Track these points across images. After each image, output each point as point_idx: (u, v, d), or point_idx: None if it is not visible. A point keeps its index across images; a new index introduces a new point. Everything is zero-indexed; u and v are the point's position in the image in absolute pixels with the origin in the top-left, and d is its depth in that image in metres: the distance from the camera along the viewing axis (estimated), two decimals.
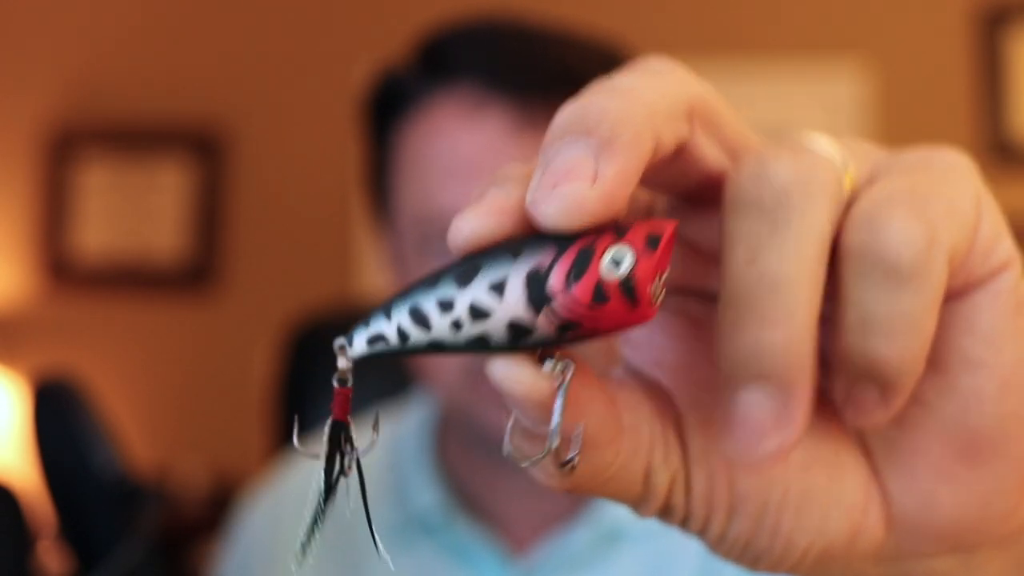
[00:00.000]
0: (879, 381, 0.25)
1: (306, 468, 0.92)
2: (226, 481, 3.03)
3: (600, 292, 0.24)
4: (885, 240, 0.25)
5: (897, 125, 3.21)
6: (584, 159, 0.25)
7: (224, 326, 3.22)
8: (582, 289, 0.25)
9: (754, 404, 0.25)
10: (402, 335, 0.27)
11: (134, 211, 3.29)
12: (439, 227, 0.72)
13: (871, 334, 0.25)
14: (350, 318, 1.06)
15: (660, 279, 0.25)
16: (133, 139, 3.31)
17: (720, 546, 0.30)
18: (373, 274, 3.18)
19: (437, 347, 0.26)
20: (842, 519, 0.29)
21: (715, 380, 0.26)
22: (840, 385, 0.26)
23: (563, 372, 0.26)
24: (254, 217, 3.27)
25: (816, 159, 0.26)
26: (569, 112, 0.27)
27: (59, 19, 3.36)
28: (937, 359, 0.27)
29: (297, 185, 3.26)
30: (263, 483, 0.96)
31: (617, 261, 0.25)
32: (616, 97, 0.26)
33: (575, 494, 0.30)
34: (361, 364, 0.27)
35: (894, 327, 0.25)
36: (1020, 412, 0.27)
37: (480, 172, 0.71)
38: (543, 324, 0.25)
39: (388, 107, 0.78)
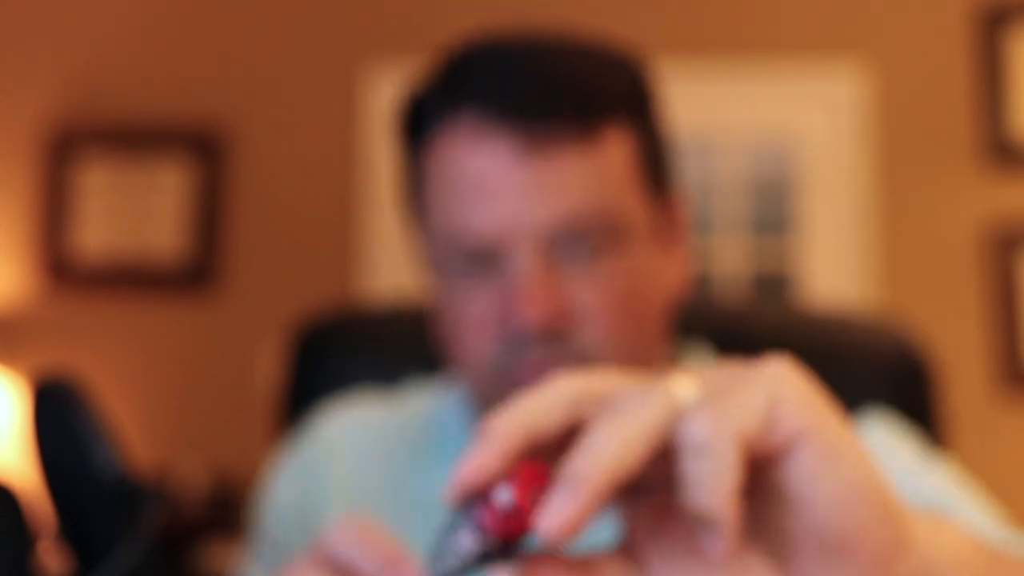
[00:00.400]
0: (708, 522, 0.37)
1: (335, 424, 0.96)
2: (226, 481, 3.04)
3: (501, 516, 0.39)
4: (688, 430, 0.38)
5: (897, 125, 3.22)
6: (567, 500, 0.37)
7: (224, 326, 3.22)
8: (491, 517, 0.39)
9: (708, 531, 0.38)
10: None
11: (134, 211, 3.29)
12: (458, 247, 0.79)
13: (691, 490, 0.38)
14: (351, 319, 1.06)
15: (536, 495, 0.39)
16: (133, 139, 3.31)
17: None
18: (374, 274, 3.18)
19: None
20: None
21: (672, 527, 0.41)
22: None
23: None
24: (254, 217, 3.28)
25: (659, 399, 0.39)
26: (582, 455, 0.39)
27: (59, 19, 3.36)
28: (784, 494, 0.39)
29: (297, 185, 3.27)
30: (297, 438, 0.98)
31: (505, 498, 0.39)
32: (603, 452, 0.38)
33: None
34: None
35: (702, 483, 0.37)
36: (852, 524, 0.39)
37: (489, 195, 0.77)
38: (493, 542, 0.40)
39: (413, 126, 0.83)
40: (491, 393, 0.80)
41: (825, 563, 0.40)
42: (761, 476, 0.40)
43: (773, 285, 3.29)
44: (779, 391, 0.40)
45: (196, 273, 3.26)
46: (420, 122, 0.83)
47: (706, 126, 3.29)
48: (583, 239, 0.77)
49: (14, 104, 3.35)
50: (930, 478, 0.80)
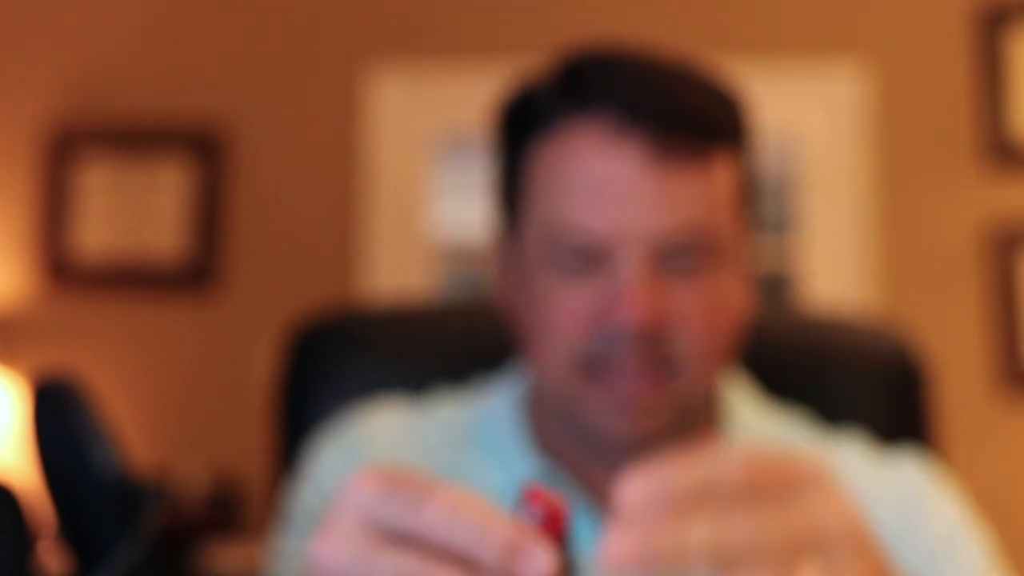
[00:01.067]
0: None
1: (383, 417, 0.98)
2: (226, 481, 3.04)
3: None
4: None
5: (897, 125, 3.22)
6: None
7: (224, 326, 3.23)
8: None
9: None
10: None
11: (134, 211, 3.30)
12: (565, 242, 0.83)
13: None
14: (347, 318, 1.06)
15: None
16: (133, 139, 3.32)
17: None
18: (373, 275, 3.18)
19: None
20: None
21: None
22: None
23: None
24: (254, 217, 3.28)
25: None
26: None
27: (59, 19, 3.37)
28: None
29: (297, 185, 3.27)
30: (338, 426, 0.99)
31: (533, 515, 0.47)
32: None
33: None
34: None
35: None
36: None
37: (611, 198, 0.81)
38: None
39: (524, 122, 0.87)
40: (567, 393, 0.84)
41: None
42: None
43: (773, 285, 3.29)
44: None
45: (196, 273, 3.26)
46: (534, 117, 0.86)
47: None
48: (688, 253, 0.82)
49: (14, 104, 3.35)
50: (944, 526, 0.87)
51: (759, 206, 0.92)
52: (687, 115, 0.82)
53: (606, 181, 0.82)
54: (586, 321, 0.82)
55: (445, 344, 1.07)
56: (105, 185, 3.31)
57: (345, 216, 3.23)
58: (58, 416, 0.64)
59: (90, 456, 0.62)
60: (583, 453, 0.89)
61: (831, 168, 3.25)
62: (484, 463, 0.92)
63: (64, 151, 3.31)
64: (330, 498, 0.93)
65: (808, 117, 3.25)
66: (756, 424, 0.93)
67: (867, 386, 1.05)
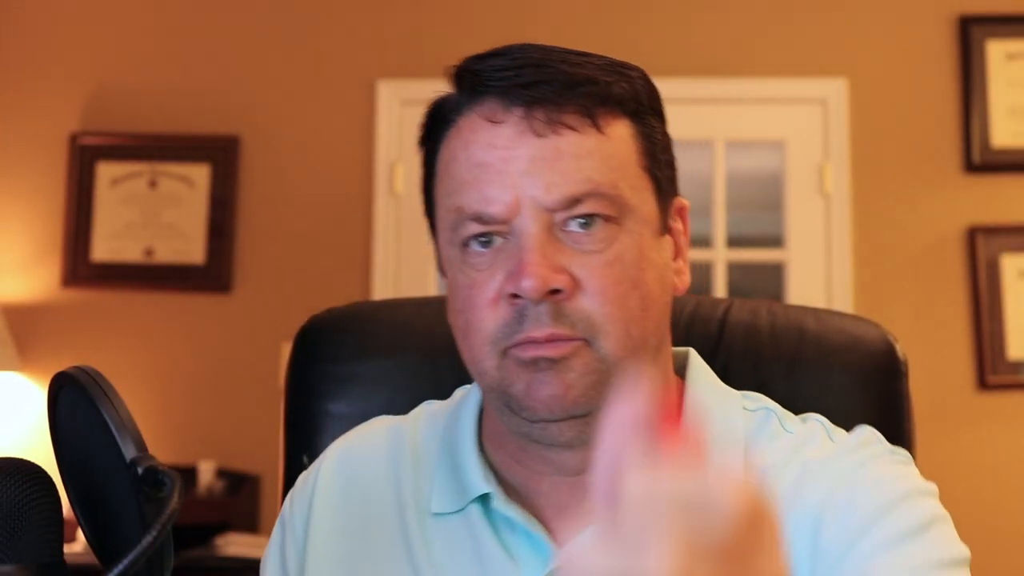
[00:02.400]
0: None
1: (382, 431, 0.99)
2: (235, 483, 3.07)
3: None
4: None
5: (881, 137, 3.25)
6: None
7: (239, 331, 3.25)
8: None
9: None
10: None
11: (153, 217, 3.33)
12: (464, 229, 0.85)
13: None
14: (355, 319, 1.08)
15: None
16: (153, 149, 3.35)
17: None
18: (388, 279, 3.21)
19: None
20: None
21: None
22: None
23: None
24: (270, 223, 3.31)
25: None
26: None
27: (78, 33, 3.40)
28: None
29: (314, 193, 3.30)
30: (342, 440, 1.01)
31: None
32: None
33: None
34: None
35: None
36: None
37: (495, 175, 0.84)
38: None
39: (433, 129, 0.90)
40: (499, 368, 0.84)
41: None
42: None
43: (759, 296, 3.32)
44: None
45: (214, 279, 3.28)
46: (438, 122, 0.89)
47: (701, 139, 3.32)
48: (585, 211, 0.83)
49: (39, 115, 3.39)
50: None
51: (673, 175, 0.92)
52: (564, 84, 0.84)
53: (489, 161, 0.84)
54: (497, 303, 0.83)
55: (450, 338, 1.10)
56: (124, 192, 3.34)
57: (360, 222, 3.26)
58: (79, 400, 0.67)
59: (112, 440, 0.65)
60: (527, 463, 0.89)
61: (815, 180, 3.26)
62: (442, 486, 0.92)
63: (84, 159, 3.34)
64: (302, 545, 0.95)
65: (798, 134, 3.28)
66: (715, 410, 0.92)
67: (848, 379, 1.08)
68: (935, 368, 3.09)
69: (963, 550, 0.84)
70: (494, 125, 0.84)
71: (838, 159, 3.23)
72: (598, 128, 0.85)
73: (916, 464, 0.99)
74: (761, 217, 3.40)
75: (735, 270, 3.34)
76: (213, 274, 3.28)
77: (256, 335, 3.20)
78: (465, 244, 0.85)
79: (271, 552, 0.98)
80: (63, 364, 0.77)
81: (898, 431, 1.07)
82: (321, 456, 1.00)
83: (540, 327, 0.81)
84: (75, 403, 0.69)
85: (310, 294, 3.11)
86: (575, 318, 0.82)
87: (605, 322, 0.83)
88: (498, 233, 0.84)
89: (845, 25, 3.29)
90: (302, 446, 1.12)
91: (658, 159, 0.89)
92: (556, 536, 0.88)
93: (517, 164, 0.83)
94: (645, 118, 0.89)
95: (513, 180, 0.83)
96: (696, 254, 3.31)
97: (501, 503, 0.88)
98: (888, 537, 0.81)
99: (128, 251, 3.31)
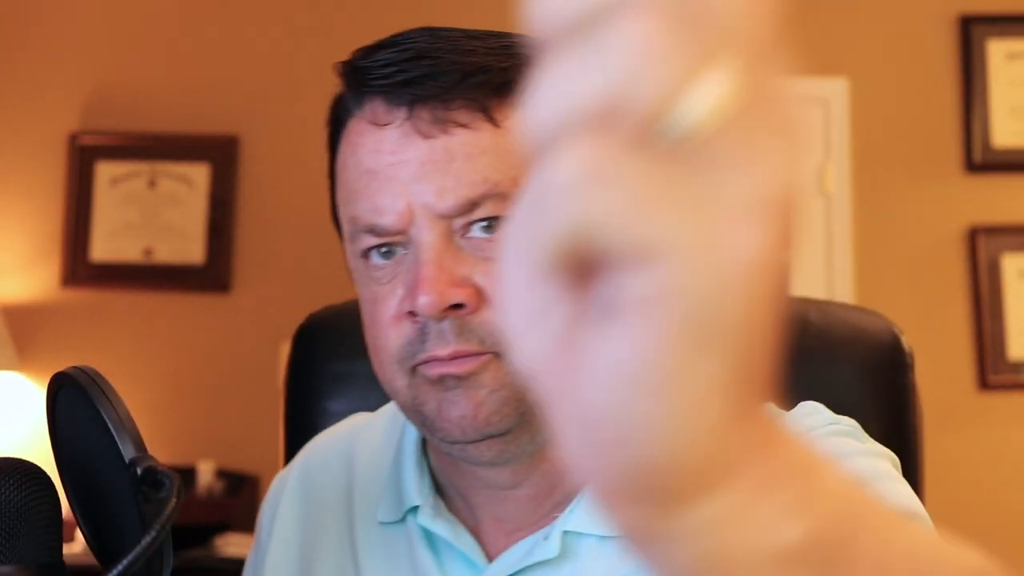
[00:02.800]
0: None
1: (344, 433, 0.97)
2: (235, 483, 3.07)
3: None
4: None
5: (881, 136, 3.25)
6: None
7: (239, 331, 3.25)
8: None
9: None
10: None
11: (153, 217, 3.33)
12: (361, 241, 0.78)
13: None
14: (354, 317, 1.08)
15: None
16: (152, 148, 3.35)
17: None
18: None
19: None
20: None
21: None
22: None
23: None
24: (269, 223, 3.31)
25: None
26: None
27: (78, 33, 3.40)
28: None
29: (312, 191, 3.30)
30: (311, 442, 1.00)
31: None
32: None
33: None
34: None
35: None
36: None
37: (385, 182, 0.76)
38: None
39: (332, 132, 0.85)
40: (409, 389, 0.78)
41: None
42: None
43: None
44: None
45: (215, 278, 3.29)
46: (335, 122, 0.84)
47: None
48: (485, 215, 0.75)
49: (38, 115, 3.39)
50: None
51: None
52: (451, 77, 0.76)
53: (376, 167, 0.77)
54: (399, 319, 0.77)
55: None
56: (123, 191, 3.35)
57: None
58: (78, 400, 0.66)
59: (111, 441, 0.64)
60: (460, 477, 0.85)
61: (814, 176, 3.27)
62: (386, 495, 0.89)
63: (83, 158, 3.35)
64: (264, 550, 0.94)
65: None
66: None
67: (852, 372, 1.07)
68: (936, 368, 3.09)
69: (917, 504, 0.74)
70: (379, 128, 0.77)
71: (839, 159, 3.23)
72: (493, 122, 0.76)
73: (917, 462, 0.98)
74: None
75: None
76: (213, 274, 3.28)
77: (256, 335, 3.20)
78: (365, 256, 0.78)
79: (247, 564, 0.98)
80: (62, 364, 0.76)
81: (904, 424, 1.07)
82: (293, 459, 0.99)
83: (443, 345, 0.75)
84: (74, 403, 0.69)
85: (310, 294, 3.10)
86: (481, 332, 0.75)
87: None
88: (396, 243, 0.77)
89: (845, 25, 3.29)
90: (301, 446, 1.12)
91: None
92: (489, 550, 0.83)
93: (406, 169, 0.75)
94: None
95: (403, 187, 0.75)
96: None
97: (427, 518, 0.84)
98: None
99: (127, 251, 3.31)
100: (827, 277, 3.22)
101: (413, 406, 0.79)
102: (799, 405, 0.87)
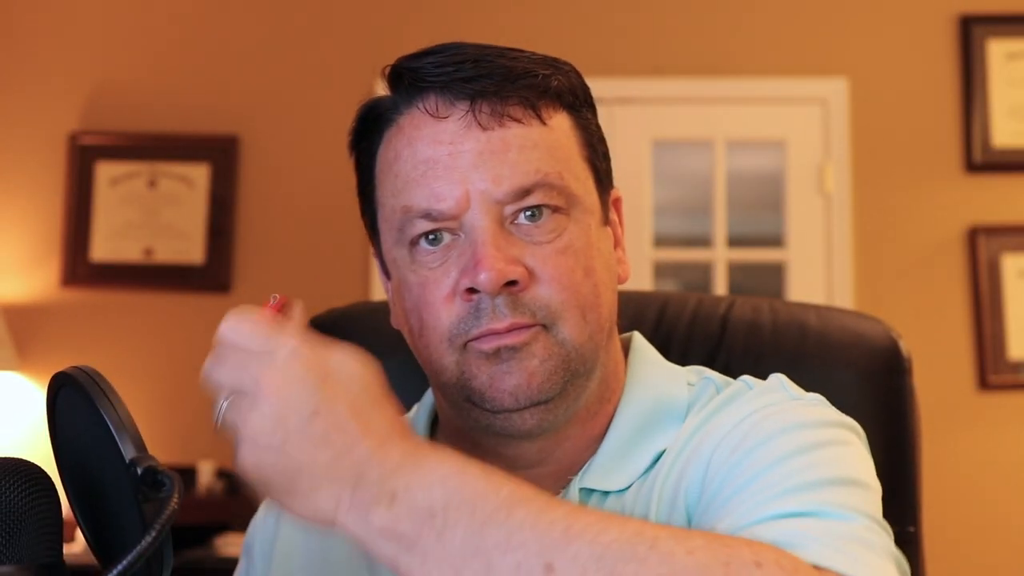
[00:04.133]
0: None
1: None
2: (235, 483, 3.07)
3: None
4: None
5: (881, 136, 3.25)
6: None
7: None
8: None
9: None
10: None
11: (153, 217, 3.33)
12: (413, 229, 0.85)
13: None
14: (354, 320, 1.08)
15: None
16: (152, 148, 3.35)
17: None
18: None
19: None
20: None
21: None
22: None
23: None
24: (270, 224, 3.31)
25: None
26: None
27: (78, 33, 3.41)
28: None
29: (312, 191, 3.30)
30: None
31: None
32: None
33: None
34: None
35: None
36: None
37: (441, 172, 0.83)
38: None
39: (369, 132, 0.90)
40: (459, 364, 0.84)
41: None
42: None
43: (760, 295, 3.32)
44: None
45: (215, 278, 3.29)
46: (378, 123, 0.89)
47: (701, 139, 3.33)
48: (534, 201, 0.83)
49: (38, 114, 3.39)
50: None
51: (609, 167, 0.92)
52: (505, 78, 0.84)
53: (436, 156, 0.84)
54: (452, 298, 0.83)
55: None
56: (123, 192, 3.35)
57: (359, 222, 3.26)
58: (78, 400, 0.66)
59: (111, 441, 0.64)
60: (484, 456, 0.85)
61: (816, 180, 3.27)
62: None
63: (83, 159, 3.35)
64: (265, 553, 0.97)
65: (800, 132, 3.28)
66: (659, 386, 0.91)
67: (855, 372, 1.08)
68: (936, 368, 3.09)
69: (851, 471, 0.78)
70: (438, 120, 0.84)
71: (838, 159, 3.23)
72: (541, 120, 0.85)
73: (915, 466, 0.98)
74: (761, 217, 3.40)
75: (735, 270, 3.33)
76: (213, 274, 3.28)
77: None
78: (413, 243, 0.85)
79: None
80: (62, 364, 0.76)
81: (902, 428, 1.07)
82: None
83: (500, 319, 0.82)
84: (74, 403, 0.69)
85: (309, 294, 3.09)
86: (533, 306, 0.82)
87: (562, 309, 0.83)
88: (447, 230, 0.84)
89: (845, 25, 3.29)
90: None
91: (596, 150, 0.90)
92: None
93: (465, 158, 0.83)
94: (581, 111, 0.90)
95: (462, 174, 0.83)
96: (696, 254, 3.31)
97: None
98: (766, 460, 0.77)
99: (127, 251, 3.31)
100: (827, 278, 3.22)
101: (460, 381, 0.85)
102: (770, 378, 0.90)
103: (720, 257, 3.28)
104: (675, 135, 3.25)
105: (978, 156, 3.19)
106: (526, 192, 0.83)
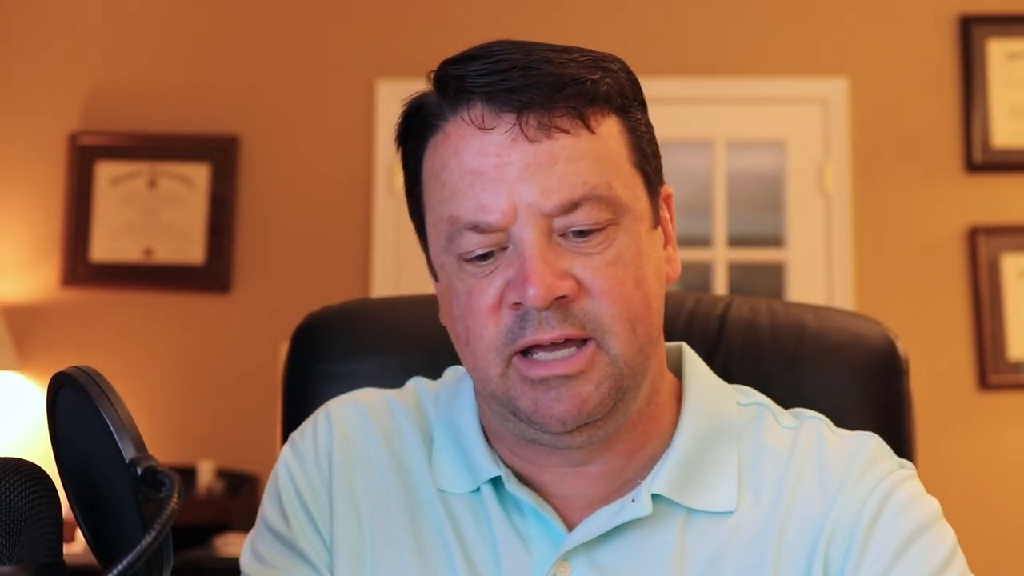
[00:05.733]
0: None
1: (379, 402, 0.99)
2: (235, 483, 3.07)
3: None
4: None
5: (881, 136, 3.25)
6: None
7: (239, 331, 3.25)
8: None
9: None
10: None
11: (153, 217, 3.33)
12: (461, 239, 0.84)
13: None
14: (351, 317, 1.08)
15: None
16: (152, 148, 3.35)
17: None
18: (388, 281, 3.21)
19: None
20: None
21: None
22: None
23: None
24: (270, 224, 3.31)
25: None
26: None
27: (78, 33, 3.41)
28: None
29: (312, 191, 3.30)
30: (301, 429, 1.00)
31: None
32: None
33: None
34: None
35: None
36: None
37: (489, 183, 0.83)
38: None
39: (418, 132, 0.89)
40: (503, 379, 0.84)
41: None
42: None
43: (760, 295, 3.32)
44: None
45: (215, 278, 3.29)
46: (424, 126, 0.88)
47: (701, 139, 3.32)
48: (584, 214, 0.82)
49: (38, 115, 3.39)
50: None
51: (659, 164, 0.91)
52: (552, 87, 0.82)
53: (482, 168, 0.83)
54: (498, 308, 0.83)
55: (447, 335, 1.10)
56: (124, 192, 3.34)
57: (359, 222, 3.26)
58: (78, 400, 0.66)
59: (111, 441, 0.64)
60: (531, 456, 0.90)
61: (816, 180, 3.27)
62: (449, 466, 0.93)
63: (83, 159, 3.34)
64: (295, 510, 0.94)
65: (801, 132, 3.28)
66: (711, 405, 0.92)
67: (853, 373, 1.08)
68: (936, 368, 3.09)
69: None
70: (484, 131, 0.83)
71: (838, 159, 3.23)
72: (589, 129, 0.84)
73: (916, 464, 0.99)
74: (761, 217, 3.40)
75: (735, 270, 3.33)
76: (213, 274, 3.28)
77: (256, 335, 3.20)
78: (463, 255, 0.85)
79: (282, 486, 0.96)
80: (62, 364, 0.76)
81: (899, 429, 1.07)
82: (323, 414, 0.99)
83: (547, 330, 0.81)
84: (74, 403, 0.69)
85: (310, 294, 3.11)
86: (584, 318, 0.82)
87: (613, 322, 0.82)
88: (496, 245, 0.83)
89: (845, 25, 3.29)
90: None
91: (645, 152, 0.89)
92: (564, 522, 0.89)
93: (512, 170, 0.82)
94: (631, 111, 0.89)
95: (509, 187, 0.82)
96: (696, 254, 3.31)
97: (514, 486, 0.89)
98: (913, 571, 0.83)
99: (127, 251, 3.31)
100: (827, 278, 3.22)
101: (505, 396, 0.85)
102: (862, 436, 0.91)
103: (720, 257, 3.28)
104: (675, 135, 3.26)
105: (978, 156, 3.19)
106: (574, 205, 0.82)
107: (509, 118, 0.82)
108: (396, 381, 1.04)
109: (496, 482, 0.90)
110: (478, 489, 0.91)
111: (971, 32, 3.22)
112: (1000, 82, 3.22)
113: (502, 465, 0.90)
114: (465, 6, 3.33)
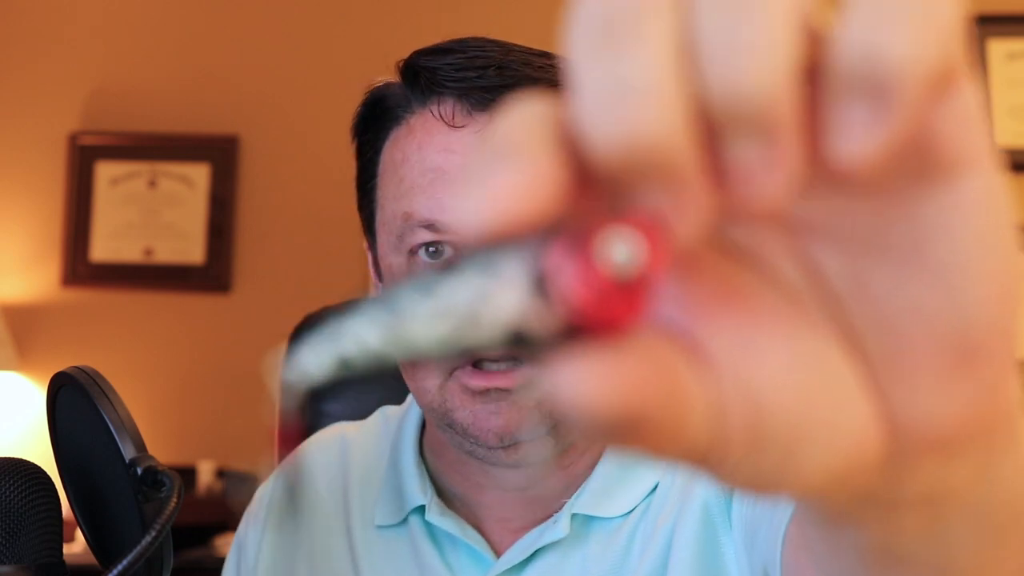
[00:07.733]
0: (747, 114, 0.23)
1: (334, 442, 0.97)
2: (235, 483, 3.07)
3: (609, 283, 0.22)
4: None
5: None
6: None
7: (239, 331, 3.25)
8: (589, 285, 0.22)
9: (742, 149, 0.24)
10: (367, 342, 0.24)
11: (153, 217, 3.33)
12: (412, 238, 0.79)
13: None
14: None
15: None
16: (152, 148, 3.35)
17: (728, 479, 0.28)
18: None
19: (410, 350, 0.24)
20: (849, 438, 0.27)
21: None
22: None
23: None
24: (271, 224, 3.31)
25: None
26: None
27: (78, 33, 3.41)
28: (925, 258, 0.26)
29: (312, 191, 3.30)
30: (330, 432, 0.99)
31: (624, 249, 0.22)
32: None
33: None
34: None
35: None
36: (1007, 316, 0.27)
37: (447, 179, 0.78)
38: (540, 323, 0.23)
39: (375, 124, 0.85)
40: (436, 403, 0.80)
41: (948, 378, 0.27)
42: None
43: None
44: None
45: (215, 278, 3.29)
46: (385, 118, 0.84)
47: None
48: None
49: (38, 115, 3.39)
50: None
51: None
52: (524, 85, 0.78)
53: (445, 166, 0.78)
54: None
55: None
56: (123, 192, 3.35)
57: (359, 223, 3.26)
58: (78, 400, 0.67)
59: (111, 442, 0.65)
60: (468, 475, 0.86)
61: None
62: (385, 497, 0.90)
63: (83, 159, 3.35)
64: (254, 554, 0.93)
65: None
66: None
67: None
68: None
69: None
70: (452, 129, 0.79)
71: None
72: None
73: None
74: None
75: None
76: (213, 274, 3.28)
77: (256, 335, 3.20)
78: (412, 252, 0.80)
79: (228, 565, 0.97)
80: (62, 364, 0.76)
81: None
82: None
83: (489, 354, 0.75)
84: (74, 403, 0.69)
85: (310, 294, 3.10)
86: None
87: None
88: (450, 243, 0.78)
89: None
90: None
91: None
92: (496, 548, 0.85)
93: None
94: None
95: None
96: None
97: (435, 515, 0.85)
98: None
99: (127, 251, 3.31)
100: None
101: (442, 409, 0.80)
102: None
103: None
104: None
105: None
106: None
107: (481, 117, 0.78)
108: (394, 381, 1.03)
109: (423, 511, 0.87)
110: (406, 519, 0.88)
111: (971, 32, 3.22)
112: (1000, 82, 3.22)
113: (431, 491, 0.87)
114: (465, 6, 3.32)
